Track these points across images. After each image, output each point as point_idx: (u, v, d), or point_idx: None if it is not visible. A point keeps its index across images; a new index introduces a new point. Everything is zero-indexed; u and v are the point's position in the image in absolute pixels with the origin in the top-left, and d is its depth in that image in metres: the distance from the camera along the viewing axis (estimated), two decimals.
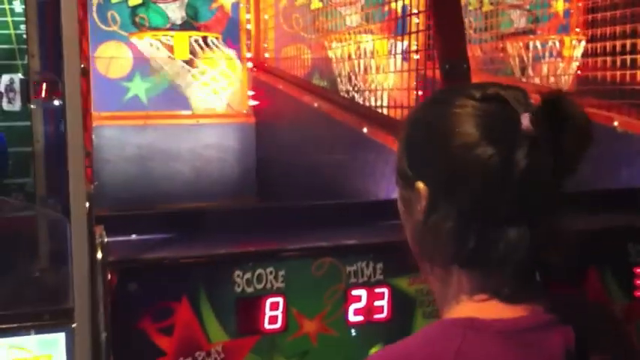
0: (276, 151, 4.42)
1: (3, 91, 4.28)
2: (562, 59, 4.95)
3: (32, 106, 3.49)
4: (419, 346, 1.11)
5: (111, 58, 4.49)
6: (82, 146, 1.65)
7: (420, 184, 1.16)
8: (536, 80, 4.94)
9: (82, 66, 2.01)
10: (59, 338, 1.78)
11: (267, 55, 4.80)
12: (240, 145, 4.74)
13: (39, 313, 1.79)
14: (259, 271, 1.93)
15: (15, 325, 1.77)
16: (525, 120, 1.07)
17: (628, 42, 4.08)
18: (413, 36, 3.17)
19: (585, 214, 2.39)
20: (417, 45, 3.28)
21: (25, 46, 3.86)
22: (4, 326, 1.76)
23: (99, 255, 1.81)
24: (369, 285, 2.02)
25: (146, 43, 4.26)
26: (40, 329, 1.76)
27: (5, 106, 4.31)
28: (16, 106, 4.27)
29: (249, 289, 1.93)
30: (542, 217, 1.10)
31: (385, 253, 2.02)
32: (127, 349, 1.83)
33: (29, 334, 1.76)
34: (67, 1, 1.67)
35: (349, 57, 4.34)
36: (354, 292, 2.01)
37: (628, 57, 3.99)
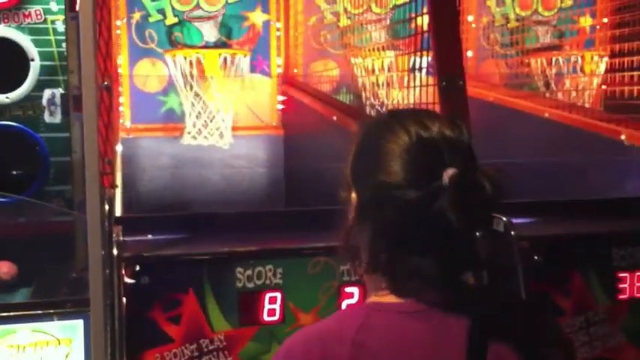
0: (303, 161, 4.61)
1: (45, 104, 4.57)
2: (584, 74, 5.05)
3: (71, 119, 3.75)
4: (330, 323, 1.31)
5: (148, 75, 4.76)
6: (97, 153, 1.86)
7: (354, 195, 1.32)
8: (559, 95, 5.04)
9: (105, 83, 2.25)
10: (79, 324, 2.00)
11: (295, 70, 5.02)
12: (269, 155, 4.96)
13: (61, 301, 2.01)
14: (259, 268, 2.13)
15: (39, 312, 1.99)
16: (446, 176, 1.20)
17: None
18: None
19: (572, 220, 2.54)
20: None
21: (65, 63, 4.13)
22: (29, 312, 1.99)
23: (115, 251, 2.03)
24: (361, 283, 2.19)
25: (178, 60, 4.51)
26: (62, 316, 1.98)
27: (47, 118, 4.60)
28: (57, 118, 4.57)
29: (250, 285, 2.13)
30: (450, 253, 1.23)
31: None
32: (138, 335, 2.04)
33: (52, 320, 1.98)
34: (85, 22, 1.88)
35: (373, 72, 4.51)
36: (347, 289, 2.20)
37: None
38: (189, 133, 4.59)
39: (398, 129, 1.28)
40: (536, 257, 2.29)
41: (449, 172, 1.20)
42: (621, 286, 2.41)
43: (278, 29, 5.02)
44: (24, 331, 2.00)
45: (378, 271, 1.29)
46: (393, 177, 1.24)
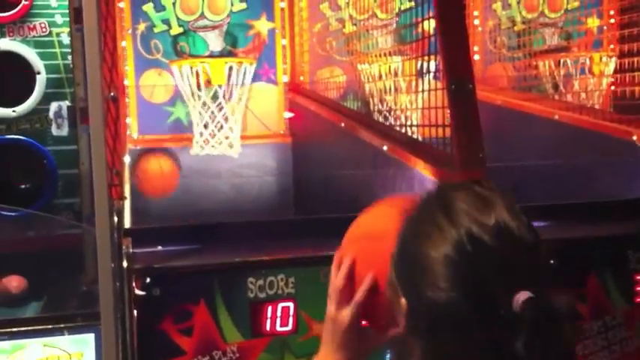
0: (312, 169, 4.59)
1: (52, 117, 4.58)
2: (592, 76, 5.02)
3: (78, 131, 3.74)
4: None
5: (154, 85, 4.75)
6: (105, 165, 1.85)
7: (403, 301, 1.11)
8: (569, 97, 5.01)
9: (112, 94, 2.24)
10: (90, 338, 1.98)
11: (302, 77, 5.00)
12: (278, 163, 4.94)
13: (71, 315, 1.99)
14: (271, 277, 2.11)
15: (50, 326, 1.98)
16: (519, 300, 0.96)
17: None
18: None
19: (587, 223, 2.51)
20: None
21: (71, 75, 4.13)
22: (40, 327, 1.97)
23: (124, 264, 2.01)
24: None
25: (184, 70, 4.50)
26: (73, 330, 1.96)
27: (54, 131, 4.61)
28: (64, 131, 4.57)
29: (262, 295, 2.10)
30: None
31: None
32: (150, 348, 2.02)
33: (63, 335, 1.97)
34: (90, 33, 1.87)
35: (380, 77, 4.49)
36: None
37: None
38: (197, 142, 4.57)
39: (445, 226, 1.03)
40: (551, 261, 2.26)
41: (521, 297, 0.96)
42: (638, 288, 2.37)
43: (283, 37, 5.00)
44: (35, 345, 1.99)
45: None
46: (444, 295, 1.00)
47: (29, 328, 2.01)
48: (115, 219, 2.10)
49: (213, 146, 4.58)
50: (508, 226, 1.01)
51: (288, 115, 4.90)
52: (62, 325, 1.97)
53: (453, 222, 1.02)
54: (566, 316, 0.98)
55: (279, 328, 2.11)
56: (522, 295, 0.95)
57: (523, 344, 0.94)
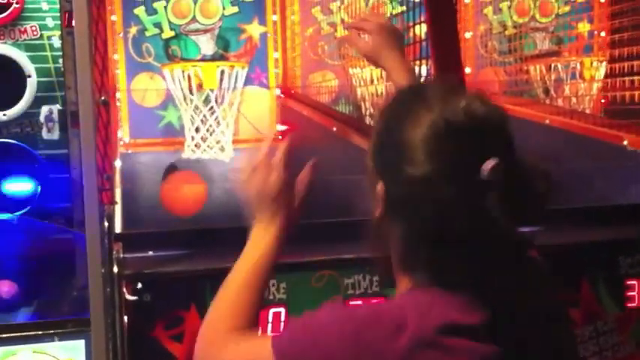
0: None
1: (43, 121, 4.55)
2: (583, 80, 5.03)
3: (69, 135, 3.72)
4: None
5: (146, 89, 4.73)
6: (95, 170, 1.84)
7: (380, 187, 1.21)
8: (560, 102, 5.02)
9: (103, 98, 2.23)
10: (80, 344, 1.97)
11: (294, 81, 4.99)
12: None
13: (62, 321, 1.98)
14: None
15: (40, 332, 1.96)
16: (486, 169, 1.08)
17: None
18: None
19: (578, 228, 2.52)
20: None
21: (62, 79, 4.11)
22: (30, 333, 1.96)
23: (115, 269, 2.00)
24: (365, 296, 2.17)
25: (176, 73, 4.49)
26: (63, 336, 1.95)
27: (45, 135, 4.58)
28: (55, 135, 4.54)
29: None
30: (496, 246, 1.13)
31: None
32: (140, 354, 2.01)
33: (53, 341, 1.96)
34: (80, 37, 1.86)
35: (372, 81, 4.49)
36: (352, 303, 2.16)
37: None
38: (188, 146, 4.56)
39: (421, 111, 1.14)
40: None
41: (488, 164, 1.08)
42: (630, 294, 2.38)
43: (275, 41, 5.00)
44: (25, 352, 1.98)
45: (417, 268, 1.19)
46: (422, 170, 1.11)
47: (19, 334, 1.99)
48: (106, 224, 2.09)
49: (204, 150, 4.57)
50: (476, 108, 1.13)
51: (281, 127, 4.89)
52: (52, 331, 1.96)
53: (427, 107, 1.15)
54: (535, 176, 1.13)
55: (270, 334, 2.10)
56: (490, 162, 1.08)
57: (494, 204, 1.07)
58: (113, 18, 4.41)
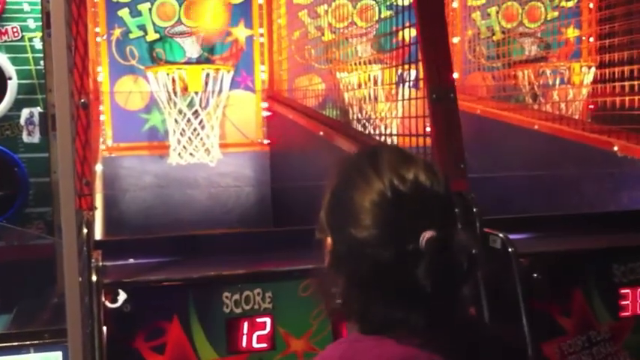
0: (290, 178, 4.52)
1: (23, 124, 4.47)
2: (572, 85, 5.00)
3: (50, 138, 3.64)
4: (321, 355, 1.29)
5: (130, 92, 4.66)
6: (73, 174, 1.76)
7: (329, 241, 1.28)
8: (548, 107, 4.99)
9: (82, 100, 2.15)
10: (58, 356, 1.89)
11: (280, 85, 4.93)
12: (255, 172, 4.86)
13: (39, 332, 1.90)
14: (247, 292, 2.03)
15: (15, 343, 1.88)
16: (424, 240, 1.16)
17: (636, 67, 4.14)
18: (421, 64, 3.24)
19: (571, 236, 2.46)
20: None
21: (43, 81, 4.03)
22: (4, 345, 1.87)
23: (94, 277, 1.92)
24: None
25: (160, 76, 4.42)
26: (39, 347, 1.87)
27: (26, 138, 4.50)
28: (36, 138, 4.46)
29: (238, 310, 2.02)
30: (424, 307, 1.19)
31: None
32: None
33: (29, 352, 1.88)
34: (58, 37, 1.79)
35: (359, 86, 4.44)
36: None
37: (636, 83, 4.05)
38: (174, 150, 4.49)
39: (372, 178, 1.22)
40: (535, 275, 2.20)
41: (426, 236, 1.16)
42: (623, 303, 2.32)
43: (261, 44, 4.94)
44: None
45: (352, 319, 1.27)
46: (366, 233, 1.20)
47: None
48: (85, 230, 2.01)
49: (191, 154, 4.50)
50: (423, 180, 1.21)
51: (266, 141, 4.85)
52: (28, 342, 1.88)
53: (378, 174, 1.22)
54: (465, 251, 1.18)
55: (255, 345, 2.03)
56: (427, 234, 1.16)
57: (424, 272, 1.15)
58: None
